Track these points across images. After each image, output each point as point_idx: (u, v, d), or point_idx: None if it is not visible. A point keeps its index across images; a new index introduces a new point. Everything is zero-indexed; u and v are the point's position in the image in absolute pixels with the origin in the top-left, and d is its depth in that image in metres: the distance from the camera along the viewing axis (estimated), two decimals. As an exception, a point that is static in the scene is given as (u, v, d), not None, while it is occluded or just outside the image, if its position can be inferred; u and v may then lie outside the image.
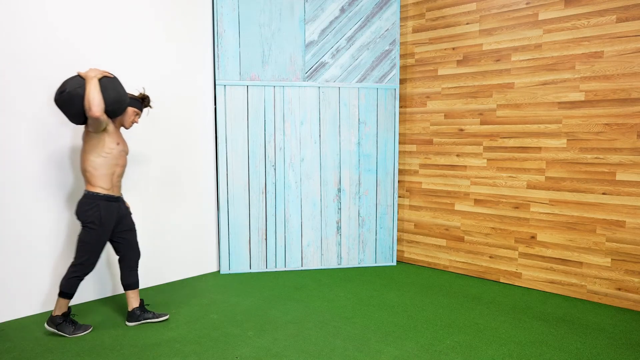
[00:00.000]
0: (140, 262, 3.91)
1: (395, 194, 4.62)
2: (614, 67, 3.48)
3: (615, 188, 3.52)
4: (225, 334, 3.01)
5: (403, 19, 4.62)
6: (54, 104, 2.95)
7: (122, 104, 2.95)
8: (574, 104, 3.67)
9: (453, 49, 4.30)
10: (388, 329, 3.09)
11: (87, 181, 2.97)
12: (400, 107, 4.68)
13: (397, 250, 4.85)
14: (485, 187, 4.17)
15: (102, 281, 3.68)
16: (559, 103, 3.74)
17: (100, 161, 2.94)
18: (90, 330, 3.06)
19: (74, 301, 3.53)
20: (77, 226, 3.52)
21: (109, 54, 3.61)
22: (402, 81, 4.66)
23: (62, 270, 3.46)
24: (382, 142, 4.55)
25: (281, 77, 4.32)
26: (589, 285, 3.68)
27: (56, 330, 2.97)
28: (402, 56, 4.65)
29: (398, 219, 4.80)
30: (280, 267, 4.47)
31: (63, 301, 2.98)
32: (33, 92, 3.24)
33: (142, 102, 3.19)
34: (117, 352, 2.74)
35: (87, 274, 2.99)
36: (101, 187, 2.96)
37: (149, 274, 3.98)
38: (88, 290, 3.60)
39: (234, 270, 4.39)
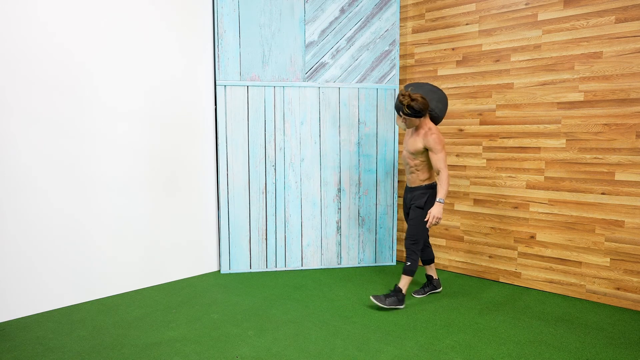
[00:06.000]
0: (141, 261, 3.92)
1: (395, 194, 4.63)
2: (613, 68, 3.49)
3: (614, 188, 3.53)
4: (225, 333, 3.02)
5: (403, 19, 4.63)
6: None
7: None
8: (573, 104, 3.68)
9: (452, 49, 4.31)
10: (388, 329, 3.10)
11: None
12: (400, 107, 4.69)
13: (397, 250, 4.86)
14: (485, 187, 4.18)
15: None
16: (558, 103, 3.75)
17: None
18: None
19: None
20: (75, 225, 3.52)
21: (109, 54, 3.62)
22: (402, 81, 4.67)
23: (63, 269, 3.46)
24: (382, 142, 4.56)
25: (281, 77, 4.33)
26: (588, 284, 3.69)
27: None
28: (401, 56, 4.66)
29: (398, 219, 4.81)
30: (281, 267, 4.48)
31: (407, 279, 3.61)
32: (30, 94, 3.25)
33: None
34: (117, 352, 2.75)
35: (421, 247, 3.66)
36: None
37: (149, 274, 3.99)
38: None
39: (234, 269, 4.40)
